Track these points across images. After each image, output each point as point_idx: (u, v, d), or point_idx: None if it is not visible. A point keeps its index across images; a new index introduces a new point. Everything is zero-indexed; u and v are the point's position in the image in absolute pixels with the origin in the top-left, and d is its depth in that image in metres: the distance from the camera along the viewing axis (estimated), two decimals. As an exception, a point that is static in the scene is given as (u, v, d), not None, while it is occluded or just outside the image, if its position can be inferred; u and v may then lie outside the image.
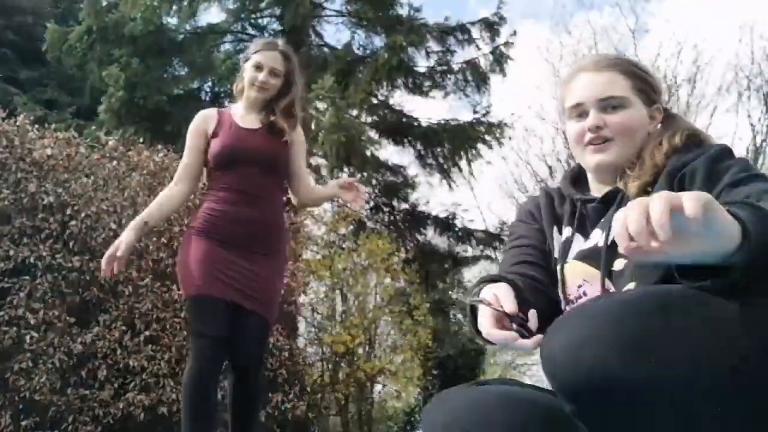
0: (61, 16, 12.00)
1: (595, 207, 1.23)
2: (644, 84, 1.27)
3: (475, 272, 11.76)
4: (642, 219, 0.73)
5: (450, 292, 11.53)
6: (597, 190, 1.28)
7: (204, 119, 2.49)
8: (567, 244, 1.24)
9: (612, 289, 1.11)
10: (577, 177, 1.34)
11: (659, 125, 1.28)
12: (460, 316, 12.88)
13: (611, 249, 1.13)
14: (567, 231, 1.26)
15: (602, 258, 1.13)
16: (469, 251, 10.92)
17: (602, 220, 1.21)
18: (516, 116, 10.68)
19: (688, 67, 9.89)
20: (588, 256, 1.18)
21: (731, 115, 9.93)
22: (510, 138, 10.35)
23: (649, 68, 1.34)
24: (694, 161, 1.10)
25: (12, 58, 12.32)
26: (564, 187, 1.33)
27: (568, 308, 1.19)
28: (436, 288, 10.73)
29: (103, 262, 2.32)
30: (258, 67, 2.43)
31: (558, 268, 1.24)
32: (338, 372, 8.17)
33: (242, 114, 2.49)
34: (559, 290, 1.23)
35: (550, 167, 10.26)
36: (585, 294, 1.17)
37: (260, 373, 2.44)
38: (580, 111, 1.25)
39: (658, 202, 0.72)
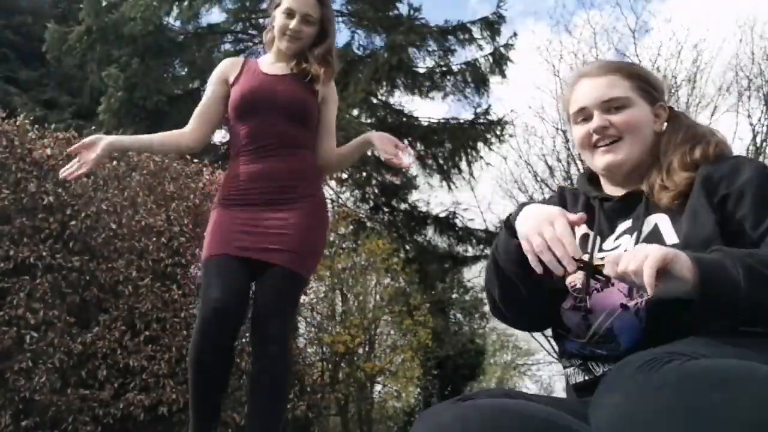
0: (61, 16, 11.99)
1: (614, 207, 1.25)
2: (645, 83, 1.29)
3: (474, 272, 11.77)
4: (639, 271, 0.95)
5: (449, 292, 11.54)
6: (611, 191, 1.29)
7: (226, 66, 2.27)
8: (588, 241, 1.23)
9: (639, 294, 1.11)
10: (592, 176, 1.35)
11: (665, 124, 1.29)
12: (460, 316, 12.89)
13: None
14: (583, 228, 1.25)
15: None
16: (469, 251, 10.93)
17: (627, 223, 1.21)
18: (516, 114, 10.66)
19: (688, 67, 9.89)
20: None
21: (731, 115, 9.92)
22: (511, 135, 10.35)
23: (650, 69, 1.36)
24: (738, 179, 1.12)
25: (12, 58, 12.32)
26: (581, 185, 1.35)
27: (587, 294, 1.18)
28: (436, 288, 10.74)
29: (74, 147, 2.07)
30: (289, 14, 2.15)
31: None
32: (338, 372, 8.18)
33: (271, 61, 2.25)
34: (576, 278, 1.20)
35: (550, 167, 10.25)
36: (613, 284, 1.15)
37: (285, 344, 2.06)
38: (584, 115, 1.28)
39: (649, 271, 0.94)
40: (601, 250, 1.21)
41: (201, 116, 2.24)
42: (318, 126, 2.22)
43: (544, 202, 1.38)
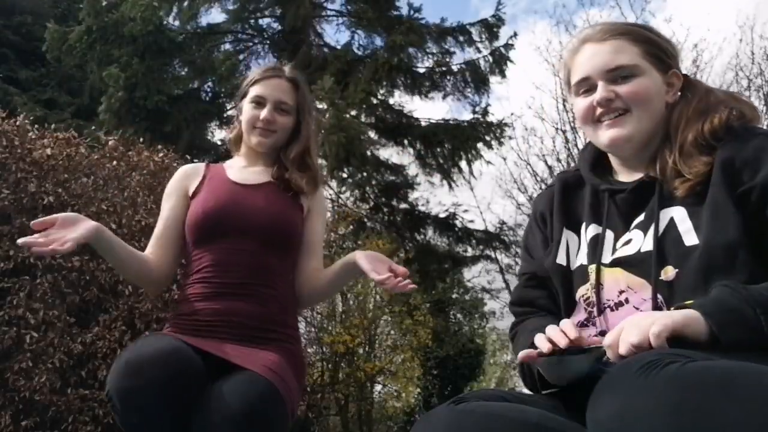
0: (60, 16, 12.00)
1: (626, 198, 1.13)
2: (656, 48, 1.14)
3: (474, 272, 11.77)
4: (644, 343, 0.88)
5: (449, 292, 11.54)
6: (623, 173, 1.17)
7: (185, 174, 1.82)
8: (599, 243, 1.13)
9: (661, 300, 1.05)
10: (597, 159, 1.21)
11: (678, 93, 1.16)
12: (460, 316, 12.89)
13: (659, 255, 1.05)
14: (593, 228, 1.16)
15: (653, 267, 1.05)
16: (469, 251, 10.93)
17: (640, 217, 1.10)
18: (515, 116, 10.67)
19: (688, 67, 9.88)
20: (630, 264, 1.09)
21: (731, 114, 9.91)
22: (510, 138, 10.35)
23: (661, 33, 1.21)
24: (762, 167, 1.00)
25: (12, 58, 12.32)
26: (584, 172, 1.21)
27: (599, 313, 1.11)
28: (436, 288, 10.73)
29: (35, 223, 1.47)
30: (259, 103, 1.76)
31: (592, 268, 1.14)
32: (338, 372, 8.17)
33: (241, 165, 1.83)
34: (589, 291, 1.13)
35: (550, 167, 10.24)
36: (627, 301, 1.09)
37: None
38: (587, 86, 1.15)
39: (657, 342, 0.86)
40: (614, 250, 1.12)
41: (159, 241, 1.72)
42: (301, 245, 1.74)
43: (542, 198, 1.29)
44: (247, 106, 1.78)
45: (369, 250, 1.71)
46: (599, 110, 1.13)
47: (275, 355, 1.54)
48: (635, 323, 0.90)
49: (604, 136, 1.13)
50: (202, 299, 1.62)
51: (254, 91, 1.78)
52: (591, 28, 1.19)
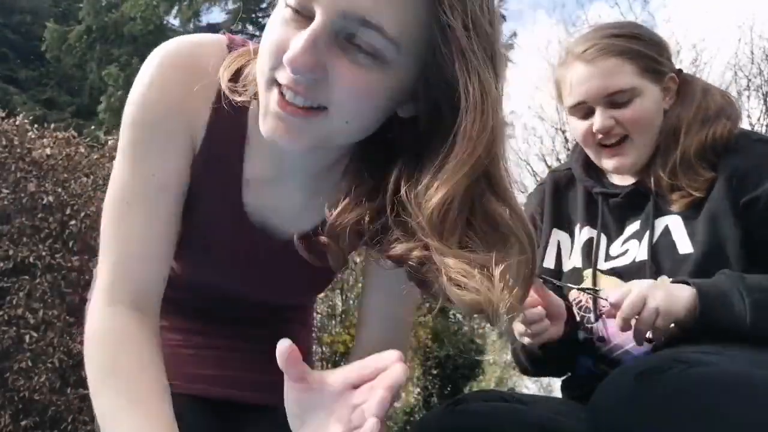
0: (60, 16, 11.99)
1: (620, 203, 1.11)
2: (651, 61, 1.10)
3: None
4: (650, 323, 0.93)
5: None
6: (617, 177, 1.16)
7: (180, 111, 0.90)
8: (593, 247, 1.12)
9: None
10: (589, 160, 1.19)
11: (675, 95, 1.13)
12: (459, 316, 12.88)
13: (654, 264, 1.04)
14: (587, 231, 1.15)
15: (647, 277, 1.04)
16: (469, 251, 10.89)
17: (635, 225, 1.09)
18: (515, 115, 10.67)
19: (687, 67, 9.88)
20: (626, 274, 1.08)
21: (731, 114, 9.91)
22: (510, 137, 10.34)
23: (651, 31, 1.18)
24: (764, 177, 0.99)
25: (11, 58, 12.31)
26: (577, 172, 1.19)
27: (596, 319, 1.10)
28: (436, 288, 10.71)
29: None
30: None
31: (587, 273, 1.12)
32: (338, 372, 8.17)
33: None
34: (583, 296, 1.12)
35: (549, 167, 10.25)
36: None
37: None
38: (584, 110, 1.11)
39: (664, 328, 0.93)
40: (608, 256, 1.11)
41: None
42: None
43: (533, 199, 1.27)
44: None
45: None
46: (599, 136, 1.10)
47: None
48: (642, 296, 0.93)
49: (608, 163, 1.12)
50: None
51: None
52: (580, 41, 1.14)
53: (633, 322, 0.93)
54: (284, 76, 0.65)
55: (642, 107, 1.08)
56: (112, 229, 0.81)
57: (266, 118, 0.68)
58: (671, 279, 0.99)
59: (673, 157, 1.05)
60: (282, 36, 0.65)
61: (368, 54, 0.64)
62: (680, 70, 1.16)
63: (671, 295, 0.93)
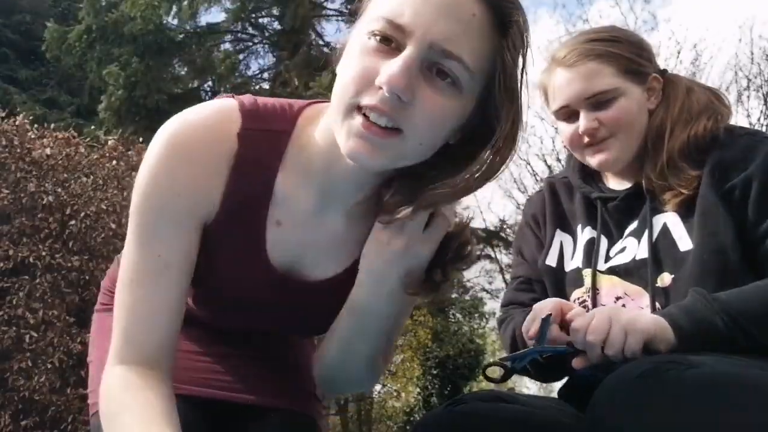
0: (60, 15, 11.99)
1: (618, 206, 1.13)
2: (631, 62, 1.12)
3: (474, 272, 11.77)
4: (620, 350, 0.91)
5: (449, 292, 11.53)
6: (612, 179, 1.18)
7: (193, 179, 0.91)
8: (594, 248, 1.14)
9: (659, 308, 1.04)
10: (585, 164, 1.20)
11: (660, 94, 1.14)
12: (459, 316, 12.89)
13: (655, 262, 1.05)
14: (588, 231, 1.16)
15: (649, 275, 1.05)
16: (469, 251, 10.91)
17: (634, 224, 1.11)
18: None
19: (687, 67, 9.87)
20: (626, 272, 1.09)
21: (731, 114, 9.92)
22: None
23: (631, 33, 1.19)
24: (746, 168, 1.01)
25: (11, 57, 12.32)
26: (573, 180, 1.21)
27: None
28: (436, 287, 10.72)
29: None
30: None
31: (587, 272, 1.14)
32: (338, 371, 8.17)
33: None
34: (585, 295, 1.13)
35: (549, 166, 10.24)
36: (624, 308, 1.08)
37: None
38: (568, 113, 1.14)
39: (635, 346, 0.90)
40: (608, 257, 1.12)
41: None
42: None
43: (534, 201, 1.28)
44: None
45: None
46: (586, 138, 1.12)
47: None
48: (613, 323, 0.92)
49: (593, 161, 1.14)
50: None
51: None
52: (560, 47, 1.16)
53: (600, 349, 0.93)
54: (372, 98, 0.71)
55: (624, 107, 1.10)
56: (122, 300, 0.83)
57: (349, 140, 0.73)
58: (655, 311, 1.00)
59: (661, 159, 1.07)
60: (369, 64, 0.71)
61: (448, 82, 0.72)
62: (664, 71, 1.18)
63: (638, 314, 0.95)
